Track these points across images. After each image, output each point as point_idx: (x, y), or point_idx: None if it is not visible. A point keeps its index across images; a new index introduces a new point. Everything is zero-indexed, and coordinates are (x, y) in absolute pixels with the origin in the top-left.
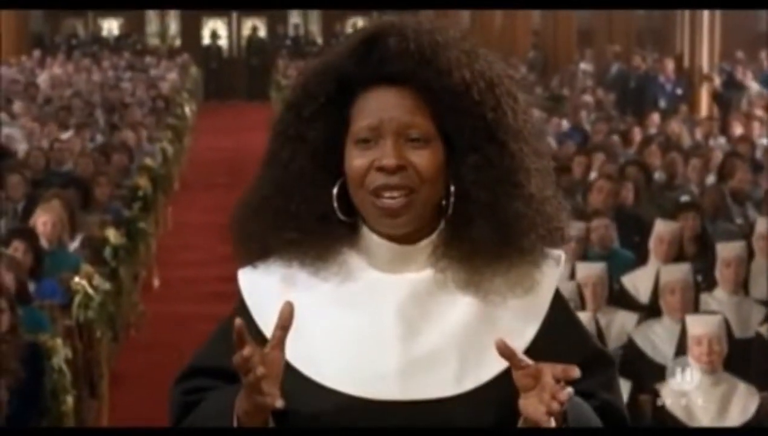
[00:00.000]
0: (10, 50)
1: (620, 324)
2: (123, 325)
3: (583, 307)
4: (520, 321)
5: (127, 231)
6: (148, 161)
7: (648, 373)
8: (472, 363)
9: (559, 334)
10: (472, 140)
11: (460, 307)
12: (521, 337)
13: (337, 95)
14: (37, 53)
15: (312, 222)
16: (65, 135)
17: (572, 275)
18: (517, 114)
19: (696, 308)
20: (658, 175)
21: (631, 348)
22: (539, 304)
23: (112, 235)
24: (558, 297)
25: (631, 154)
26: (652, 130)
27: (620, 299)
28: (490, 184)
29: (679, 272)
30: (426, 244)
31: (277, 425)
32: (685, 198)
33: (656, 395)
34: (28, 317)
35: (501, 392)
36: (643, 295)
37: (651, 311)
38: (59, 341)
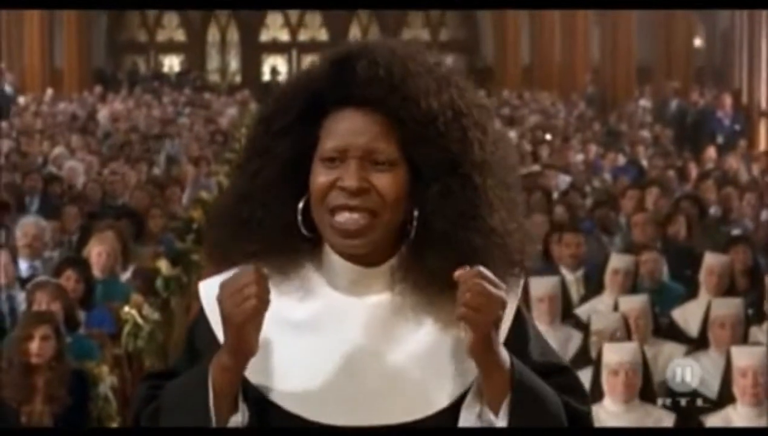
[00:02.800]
0: (73, 86)
1: (667, 356)
2: (174, 355)
3: (629, 338)
4: None
5: (179, 263)
6: (204, 194)
7: (695, 406)
8: (434, 387)
9: (508, 350)
10: (436, 170)
11: (419, 333)
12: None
13: (308, 113)
14: (98, 89)
15: (274, 234)
16: (122, 168)
17: (615, 307)
18: (484, 146)
19: (745, 342)
20: (714, 210)
21: None
22: None
23: (163, 266)
24: (516, 323)
25: (687, 189)
26: (709, 166)
27: (670, 332)
28: (449, 215)
29: (730, 307)
30: (386, 266)
31: None
32: (736, 232)
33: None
34: (77, 345)
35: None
36: (693, 328)
37: (699, 343)
38: (105, 369)
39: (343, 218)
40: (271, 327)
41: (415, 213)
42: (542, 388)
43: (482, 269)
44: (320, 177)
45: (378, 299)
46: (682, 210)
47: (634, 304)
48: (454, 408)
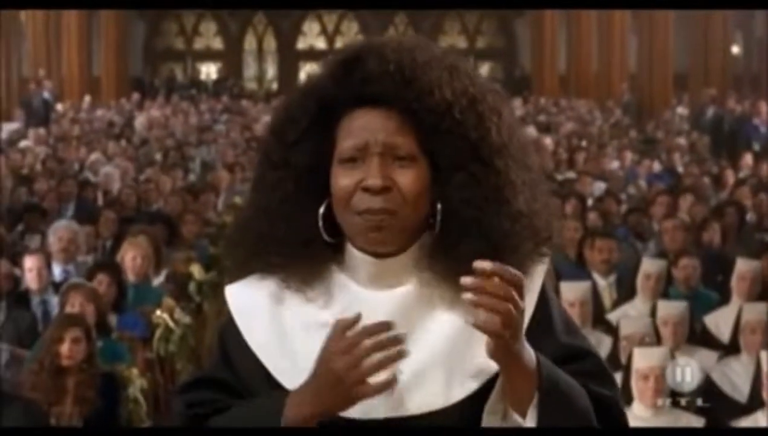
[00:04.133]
0: (111, 94)
1: (699, 363)
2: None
3: (659, 343)
4: None
5: (213, 267)
6: (238, 200)
7: (725, 410)
8: (458, 376)
9: (531, 334)
10: (457, 159)
11: (445, 321)
12: None
13: (320, 118)
14: (136, 96)
15: (297, 247)
16: (157, 175)
17: (653, 313)
18: (501, 130)
19: None
20: (749, 217)
21: (709, 386)
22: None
23: (196, 271)
24: (540, 304)
25: (722, 196)
26: (745, 173)
27: (702, 338)
28: (476, 203)
29: (761, 312)
30: (407, 255)
31: None
32: None
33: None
34: (107, 348)
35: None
36: (725, 334)
37: (730, 348)
38: (135, 372)
39: (368, 218)
40: (299, 330)
41: (438, 206)
42: (570, 387)
43: (500, 271)
44: (342, 179)
45: (403, 291)
46: (727, 216)
47: (672, 310)
48: (479, 397)
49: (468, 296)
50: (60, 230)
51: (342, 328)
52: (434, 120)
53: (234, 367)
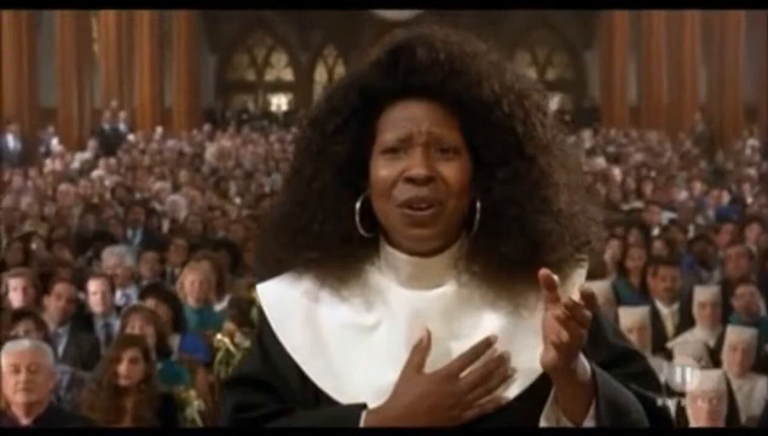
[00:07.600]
0: (182, 125)
1: (762, 390)
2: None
3: (716, 366)
4: None
5: None
6: None
7: None
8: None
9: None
10: (502, 154)
11: (486, 323)
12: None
13: (362, 108)
14: (207, 127)
15: (334, 242)
16: (224, 203)
17: (720, 339)
18: (546, 128)
19: None
20: None
21: None
22: None
23: None
24: None
25: None
26: None
27: (765, 365)
28: (518, 200)
29: None
30: (446, 256)
31: None
32: None
33: None
34: (167, 370)
35: (529, 405)
36: None
37: None
38: (193, 393)
39: (415, 213)
40: (335, 331)
41: (478, 204)
42: (625, 397)
43: (589, 297)
44: (383, 170)
45: (443, 291)
46: None
47: (743, 336)
48: (520, 400)
49: (558, 311)
50: (108, 258)
51: (423, 350)
52: (482, 112)
53: (273, 368)
